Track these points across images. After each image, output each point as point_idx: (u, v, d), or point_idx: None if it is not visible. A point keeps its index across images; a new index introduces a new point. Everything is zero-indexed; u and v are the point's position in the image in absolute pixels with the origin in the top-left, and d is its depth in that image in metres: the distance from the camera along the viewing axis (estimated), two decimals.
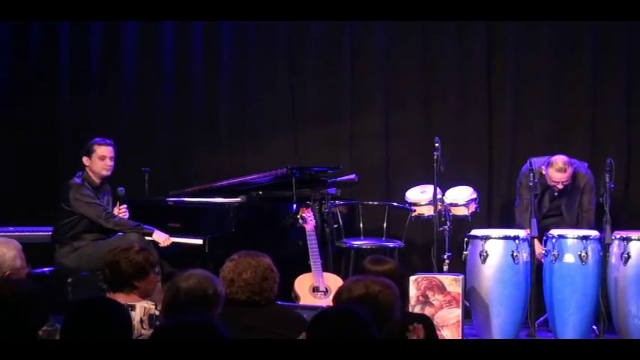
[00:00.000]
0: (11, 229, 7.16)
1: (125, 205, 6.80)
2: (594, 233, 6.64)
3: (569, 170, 6.93)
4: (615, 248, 6.51)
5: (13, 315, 3.33)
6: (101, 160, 6.63)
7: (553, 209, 7.16)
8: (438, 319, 6.25)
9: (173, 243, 6.72)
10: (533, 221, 6.54)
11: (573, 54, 7.77)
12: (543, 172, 6.99)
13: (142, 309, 4.14)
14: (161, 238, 6.65)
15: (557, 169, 6.92)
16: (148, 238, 6.57)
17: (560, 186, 6.98)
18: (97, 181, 6.69)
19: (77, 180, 6.64)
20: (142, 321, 4.12)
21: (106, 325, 3.24)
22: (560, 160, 6.93)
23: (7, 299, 3.36)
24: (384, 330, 3.59)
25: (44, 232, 7.02)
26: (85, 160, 6.65)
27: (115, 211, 6.76)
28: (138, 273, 4.26)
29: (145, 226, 6.64)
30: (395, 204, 7.50)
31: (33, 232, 7.28)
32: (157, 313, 4.12)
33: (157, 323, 4.09)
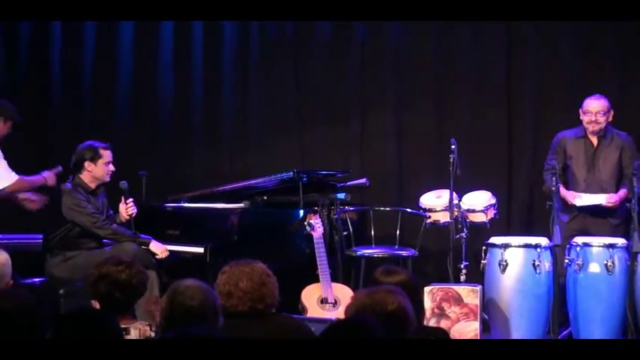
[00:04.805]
0: (0, 236, 7.16)
1: (132, 200, 6.79)
2: (621, 241, 6.62)
3: (604, 101, 7.03)
4: None
5: (11, 329, 3.36)
6: (106, 165, 6.69)
7: (591, 177, 7.10)
8: (454, 333, 6.27)
9: (172, 251, 6.73)
10: (556, 228, 6.53)
11: (597, 54, 7.81)
12: (581, 118, 7.09)
13: (137, 331, 4.12)
14: (158, 249, 6.64)
15: (591, 98, 7.03)
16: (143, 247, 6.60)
17: (593, 118, 7.01)
18: (92, 185, 6.72)
19: (68, 185, 6.65)
20: None
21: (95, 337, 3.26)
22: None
23: (4, 313, 3.40)
24: None
25: (35, 241, 7.01)
26: (87, 164, 6.66)
27: (121, 207, 6.77)
28: (134, 296, 4.33)
29: (142, 236, 6.64)
30: (408, 210, 7.50)
31: (23, 239, 7.31)
32: (153, 334, 4.11)
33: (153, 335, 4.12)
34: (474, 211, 7.12)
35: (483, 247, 6.79)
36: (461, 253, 7.00)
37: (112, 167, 6.72)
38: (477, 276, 6.92)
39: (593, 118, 7.03)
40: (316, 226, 6.66)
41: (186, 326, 3.53)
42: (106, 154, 6.70)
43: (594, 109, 7.02)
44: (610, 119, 7.10)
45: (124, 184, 6.79)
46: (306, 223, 6.71)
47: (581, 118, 7.10)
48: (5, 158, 6.84)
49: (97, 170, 6.68)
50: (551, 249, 6.62)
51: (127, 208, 6.76)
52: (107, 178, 6.73)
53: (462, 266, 6.94)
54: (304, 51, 8.32)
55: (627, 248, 6.58)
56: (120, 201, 6.81)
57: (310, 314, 6.42)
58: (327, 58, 8.27)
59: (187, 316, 3.70)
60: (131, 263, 4.35)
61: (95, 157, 6.68)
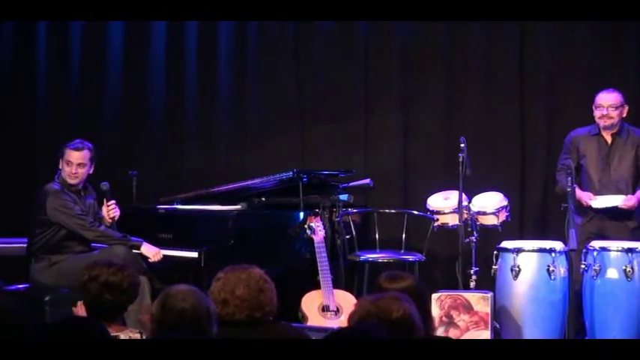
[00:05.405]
0: None
1: (114, 201, 6.73)
2: None
3: (617, 95, 6.99)
4: None
5: None
6: (67, 165, 6.55)
7: (606, 177, 7.02)
8: None
9: (164, 256, 6.66)
10: (572, 232, 6.42)
11: (614, 50, 7.83)
12: (594, 114, 7.03)
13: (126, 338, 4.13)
14: (150, 251, 6.59)
15: (604, 92, 7.01)
16: (135, 251, 6.52)
17: (605, 112, 6.95)
18: (78, 185, 6.61)
19: (55, 185, 6.57)
20: None
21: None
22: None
23: None
24: None
25: (19, 244, 6.99)
26: (60, 162, 6.59)
27: (104, 209, 6.71)
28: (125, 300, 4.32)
29: (132, 238, 6.58)
30: (415, 212, 7.48)
31: (6, 243, 7.29)
32: None
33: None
34: (484, 213, 7.06)
35: (494, 252, 6.75)
36: (470, 258, 6.97)
37: (73, 169, 6.53)
38: (487, 282, 6.89)
39: (605, 112, 6.99)
40: (317, 229, 6.62)
41: (178, 331, 3.57)
42: (70, 154, 6.54)
43: (606, 102, 6.99)
44: (624, 115, 7.09)
45: (105, 184, 6.74)
46: (306, 226, 6.67)
47: (594, 114, 7.07)
48: None
49: (62, 169, 6.59)
50: (567, 254, 6.58)
51: (108, 211, 6.71)
52: (69, 180, 6.57)
53: (472, 272, 6.90)
54: (306, 47, 8.33)
55: None
56: (102, 204, 6.77)
57: (311, 322, 6.40)
58: (329, 54, 8.27)
59: (180, 320, 3.66)
60: (123, 266, 4.39)
61: (62, 155, 6.59)
